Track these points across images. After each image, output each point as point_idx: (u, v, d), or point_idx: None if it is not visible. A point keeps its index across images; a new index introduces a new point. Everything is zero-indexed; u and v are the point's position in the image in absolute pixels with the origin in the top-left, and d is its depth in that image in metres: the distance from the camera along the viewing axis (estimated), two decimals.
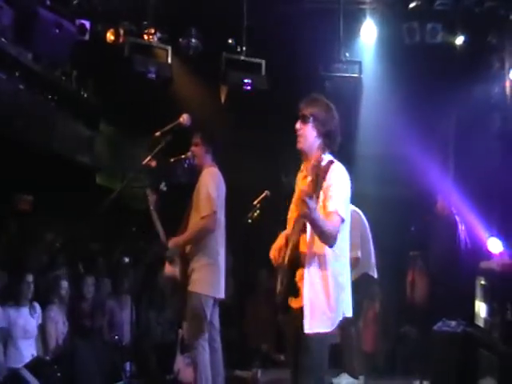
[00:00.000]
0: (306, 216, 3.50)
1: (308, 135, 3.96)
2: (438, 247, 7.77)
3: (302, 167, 4.12)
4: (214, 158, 5.52)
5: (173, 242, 5.37)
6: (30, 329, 5.88)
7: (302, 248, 3.75)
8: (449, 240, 7.74)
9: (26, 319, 5.87)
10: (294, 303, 3.73)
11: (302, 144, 3.97)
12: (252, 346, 8.00)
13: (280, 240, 4.01)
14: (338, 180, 3.78)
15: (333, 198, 3.71)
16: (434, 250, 7.84)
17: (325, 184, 3.69)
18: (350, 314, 3.80)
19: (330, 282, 3.69)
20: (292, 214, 4.05)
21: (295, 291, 3.72)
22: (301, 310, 3.65)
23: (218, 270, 5.37)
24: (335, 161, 3.90)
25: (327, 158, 3.87)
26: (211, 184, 5.31)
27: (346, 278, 3.80)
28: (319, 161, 3.65)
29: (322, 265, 3.70)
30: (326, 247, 3.67)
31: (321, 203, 3.68)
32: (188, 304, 5.29)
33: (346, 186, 3.84)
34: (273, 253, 4.00)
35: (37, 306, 6.04)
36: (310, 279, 3.68)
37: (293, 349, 3.79)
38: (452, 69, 7.90)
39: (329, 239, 3.62)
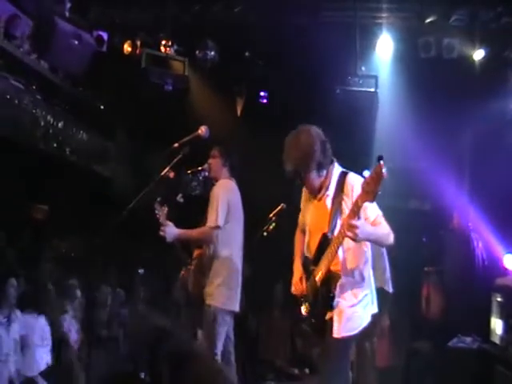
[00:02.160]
0: (359, 237, 3.62)
1: (314, 180, 4.01)
2: (453, 263, 7.73)
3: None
4: (231, 171, 5.51)
5: (174, 230, 5.23)
6: (47, 337, 5.89)
7: (334, 268, 3.88)
8: (464, 256, 7.70)
9: (44, 327, 5.88)
10: (328, 315, 3.92)
11: (315, 191, 4.05)
12: (266, 359, 7.97)
13: (297, 274, 4.19)
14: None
15: (368, 206, 3.76)
16: (449, 266, 7.80)
17: (347, 196, 3.85)
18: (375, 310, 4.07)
19: (360, 292, 3.94)
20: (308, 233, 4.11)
21: (331, 305, 3.88)
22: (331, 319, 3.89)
23: (236, 284, 5.35)
24: (347, 171, 4.01)
25: (338, 170, 4.00)
26: (221, 197, 5.29)
27: (372, 281, 4.07)
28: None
29: (354, 280, 3.93)
30: (358, 263, 3.93)
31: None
32: (205, 317, 5.26)
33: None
34: (295, 288, 4.17)
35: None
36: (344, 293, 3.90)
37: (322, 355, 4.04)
38: (468, 84, 7.88)
39: (388, 239, 3.85)
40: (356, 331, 3.92)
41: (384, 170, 3.33)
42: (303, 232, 4.33)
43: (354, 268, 3.93)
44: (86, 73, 7.71)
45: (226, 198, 5.31)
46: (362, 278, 3.96)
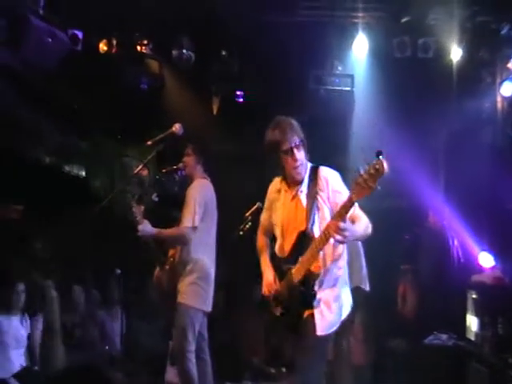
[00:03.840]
0: (348, 239, 3.62)
1: (304, 160, 3.98)
2: (429, 261, 7.78)
3: (279, 186, 4.13)
4: (205, 168, 5.52)
5: (150, 229, 5.22)
6: (21, 338, 5.82)
7: (314, 268, 3.85)
8: (440, 254, 7.75)
9: (18, 328, 5.80)
10: (306, 313, 3.91)
11: (302, 173, 4.01)
12: (243, 358, 7.95)
13: (269, 274, 4.14)
14: (339, 183, 3.92)
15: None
16: (425, 264, 7.85)
17: (322, 190, 3.84)
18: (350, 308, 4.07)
19: (337, 290, 3.95)
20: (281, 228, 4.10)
21: (311, 304, 3.87)
22: (312, 316, 3.87)
23: (208, 284, 5.37)
24: (318, 166, 4.02)
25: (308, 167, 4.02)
26: (198, 197, 5.29)
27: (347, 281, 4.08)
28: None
29: (332, 278, 3.93)
30: (337, 263, 3.93)
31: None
32: (177, 315, 5.27)
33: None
34: (267, 289, 4.11)
35: (26, 316, 5.98)
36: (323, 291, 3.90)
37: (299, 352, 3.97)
38: (443, 83, 7.92)
39: (368, 231, 3.84)
40: (334, 328, 3.93)
41: (385, 165, 3.28)
42: (266, 234, 4.32)
43: (332, 266, 3.92)
44: (61, 71, 7.64)
45: (202, 199, 5.31)
46: (340, 276, 3.97)
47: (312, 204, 3.90)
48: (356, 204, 3.71)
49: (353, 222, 3.75)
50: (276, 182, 4.19)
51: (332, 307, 3.91)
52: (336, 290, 3.95)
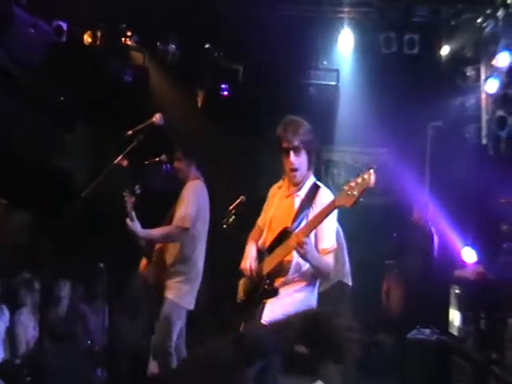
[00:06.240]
0: (304, 257, 3.66)
1: (302, 166, 3.96)
2: (413, 256, 7.80)
3: (281, 183, 4.11)
4: (197, 168, 5.50)
5: (139, 230, 5.22)
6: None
7: (288, 258, 3.85)
8: (424, 249, 7.78)
9: None
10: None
11: (298, 178, 3.97)
12: None
13: (250, 251, 4.10)
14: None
15: (325, 236, 3.83)
16: (409, 259, 7.87)
17: (317, 207, 3.82)
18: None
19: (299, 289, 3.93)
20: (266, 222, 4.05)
21: (272, 294, 3.86)
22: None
23: (196, 283, 5.43)
24: (321, 185, 3.98)
25: (312, 180, 4.01)
26: (192, 198, 5.31)
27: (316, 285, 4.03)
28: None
29: (300, 274, 3.91)
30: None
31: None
32: (162, 310, 5.26)
33: (334, 217, 3.89)
34: (245, 264, 4.07)
35: (4, 308, 5.92)
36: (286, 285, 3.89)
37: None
38: (428, 80, 7.94)
39: (323, 275, 3.91)
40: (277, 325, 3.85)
41: (373, 178, 3.29)
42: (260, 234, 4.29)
43: (302, 264, 3.90)
44: (45, 63, 7.57)
45: (196, 200, 5.35)
46: (308, 274, 3.93)
47: (303, 210, 3.91)
48: (334, 246, 3.83)
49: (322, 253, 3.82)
50: (280, 181, 4.20)
51: (285, 303, 3.88)
52: (297, 289, 3.92)
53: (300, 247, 3.58)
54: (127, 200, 5.09)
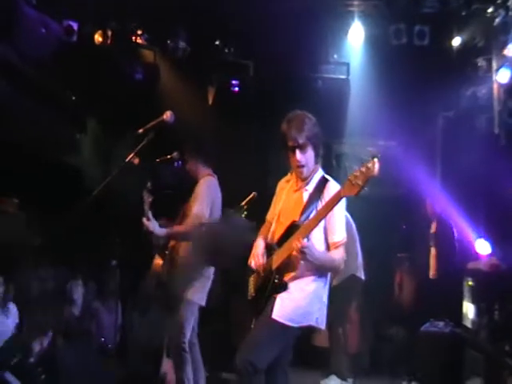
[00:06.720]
0: (305, 260, 3.68)
1: (309, 162, 3.95)
2: (425, 249, 7.78)
3: (289, 177, 4.12)
4: (208, 165, 5.52)
5: (159, 230, 5.23)
6: (4, 330, 5.80)
7: (294, 257, 3.80)
8: (443, 243, 7.72)
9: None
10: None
11: (305, 173, 3.98)
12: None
13: (258, 247, 4.09)
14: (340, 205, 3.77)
15: (335, 229, 3.82)
16: (421, 252, 7.85)
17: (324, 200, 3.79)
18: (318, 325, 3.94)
19: (310, 284, 3.88)
20: (275, 218, 4.07)
21: (282, 289, 3.84)
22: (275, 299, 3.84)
23: (208, 281, 5.42)
24: (329, 178, 3.96)
25: (320, 173, 3.98)
26: (205, 196, 5.31)
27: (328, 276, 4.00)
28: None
29: (310, 271, 3.85)
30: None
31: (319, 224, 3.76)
32: (175, 307, 5.28)
33: (343, 209, 3.89)
34: (254, 260, 4.07)
35: (12, 306, 5.95)
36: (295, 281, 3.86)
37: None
38: (439, 71, 7.91)
39: (331, 272, 3.93)
40: (291, 323, 3.82)
41: (377, 166, 3.30)
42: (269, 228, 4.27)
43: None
44: (56, 63, 7.61)
45: (209, 196, 5.33)
46: (318, 270, 3.90)
47: (312, 203, 3.89)
48: (344, 239, 3.81)
49: (328, 248, 3.83)
50: (288, 175, 4.19)
51: (296, 297, 3.85)
52: (308, 282, 3.89)
53: (298, 253, 3.62)
54: (146, 199, 5.12)
